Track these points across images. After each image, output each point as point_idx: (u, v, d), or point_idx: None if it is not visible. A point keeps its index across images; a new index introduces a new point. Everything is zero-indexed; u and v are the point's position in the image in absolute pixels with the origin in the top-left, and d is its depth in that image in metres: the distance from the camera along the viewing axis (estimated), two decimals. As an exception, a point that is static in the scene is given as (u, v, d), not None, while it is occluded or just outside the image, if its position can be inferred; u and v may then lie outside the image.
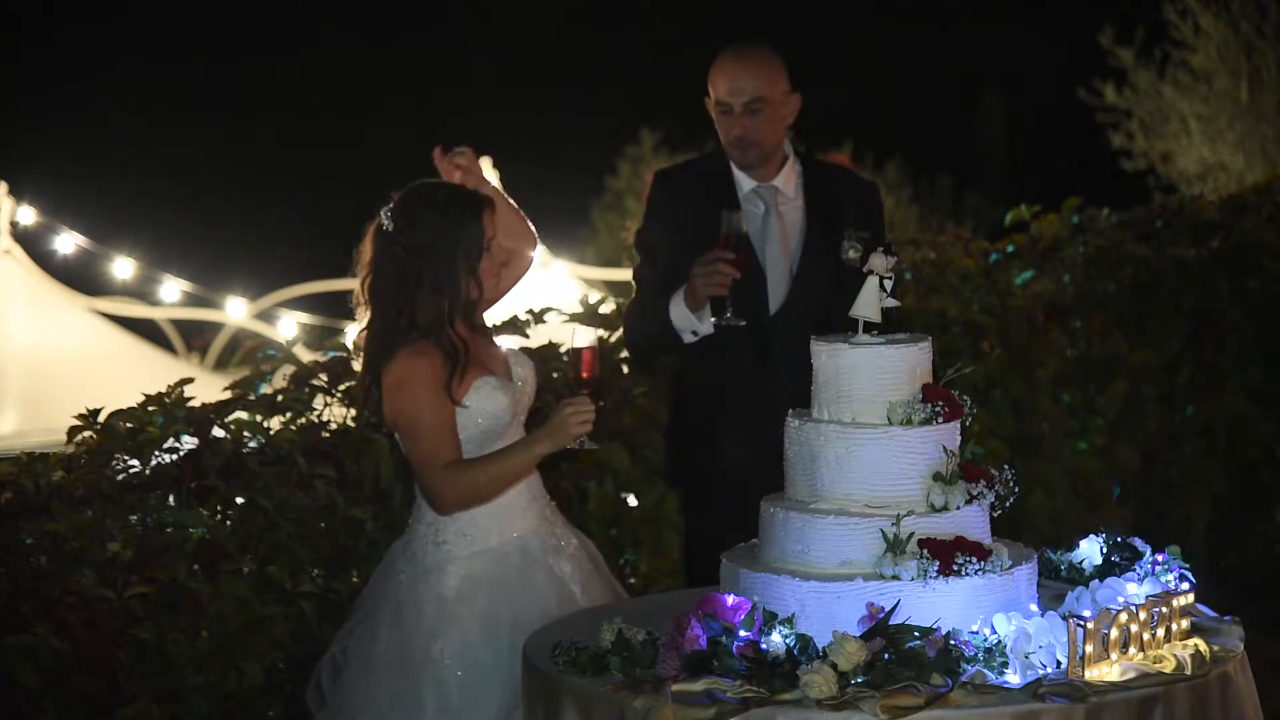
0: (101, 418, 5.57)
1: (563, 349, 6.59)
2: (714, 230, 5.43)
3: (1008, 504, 4.54)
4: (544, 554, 5.12)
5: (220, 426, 5.73)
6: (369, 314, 5.02)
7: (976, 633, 4.20)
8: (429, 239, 4.95)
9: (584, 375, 4.98)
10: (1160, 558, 4.73)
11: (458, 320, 4.98)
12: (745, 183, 5.75)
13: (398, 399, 4.94)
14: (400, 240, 4.95)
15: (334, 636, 5.22)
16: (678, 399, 5.93)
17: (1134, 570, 4.66)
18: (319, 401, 5.99)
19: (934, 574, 4.25)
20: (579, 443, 4.93)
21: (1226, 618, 4.59)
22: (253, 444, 5.76)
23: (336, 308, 12.24)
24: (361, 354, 5.06)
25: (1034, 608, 4.39)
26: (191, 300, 11.91)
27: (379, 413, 5.05)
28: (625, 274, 8.72)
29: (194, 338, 13.25)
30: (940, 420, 4.46)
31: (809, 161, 5.88)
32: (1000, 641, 4.18)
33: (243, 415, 5.80)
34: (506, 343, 5.36)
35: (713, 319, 5.51)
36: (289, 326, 11.31)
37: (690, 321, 5.53)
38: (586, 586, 5.17)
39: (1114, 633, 4.21)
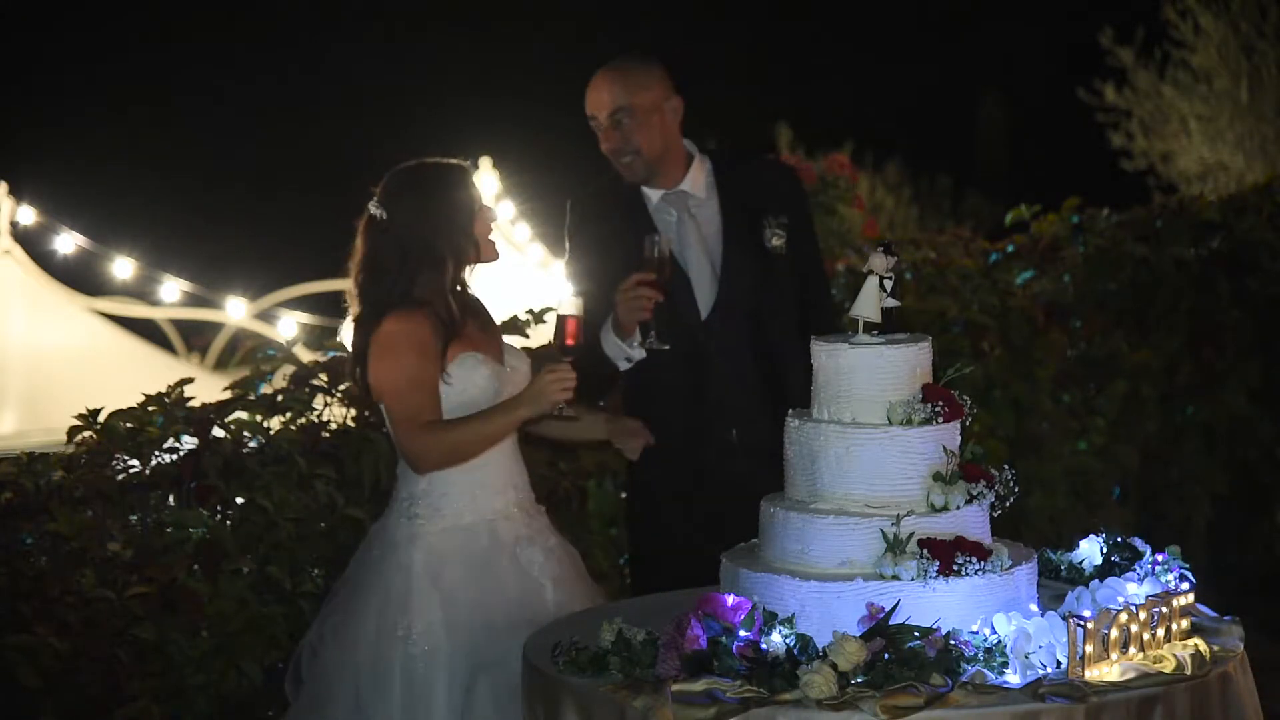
0: (101, 418, 5.57)
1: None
2: (631, 250, 5.39)
3: (1008, 504, 4.54)
4: (512, 540, 5.16)
5: (220, 426, 5.73)
6: (361, 308, 5.09)
7: (976, 633, 4.20)
8: (422, 215, 5.05)
9: (568, 343, 5.03)
10: (1160, 558, 4.73)
11: (455, 290, 5.07)
12: (653, 194, 5.68)
13: (383, 358, 5.00)
14: (395, 225, 5.04)
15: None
16: (627, 411, 5.88)
17: (1134, 570, 4.66)
18: (319, 401, 5.99)
19: (934, 574, 4.25)
20: (558, 410, 5.01)
21: (1226, 618, 4.59)
22: (253, 444, 5.76)
23: (336, 308, 12.21)
24: (353, 348, 5.11)
25: (1034, 608, 4.39)
26: (191, 300, 11.90)
27: (366, 389, 5.08)
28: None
29: (194, 338, 13.24)
30: (940, 420, 4.46)
31: (720, 156, 5.78)
32: (1000, 641, 4.18)
33: (243, 415, 5.80)
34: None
35: (637, 343, 5.45)
36: (289, 326, 11.30)
37: (621, 350, 5.48)
38: (560, 584, 5.19)
39: (1114, 633, 4.21)
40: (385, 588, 5.04)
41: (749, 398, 5.62)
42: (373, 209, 5.08)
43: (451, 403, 5.03)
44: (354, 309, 5.11)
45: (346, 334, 6.01)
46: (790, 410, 4.61)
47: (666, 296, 5.37)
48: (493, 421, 5.03)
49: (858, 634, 4.14)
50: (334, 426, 5.99)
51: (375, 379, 5.03)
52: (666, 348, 5.41)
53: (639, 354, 5.45)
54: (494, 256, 5.18)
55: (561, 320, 5.04)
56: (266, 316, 12.00)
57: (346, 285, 5.15)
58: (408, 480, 5.12)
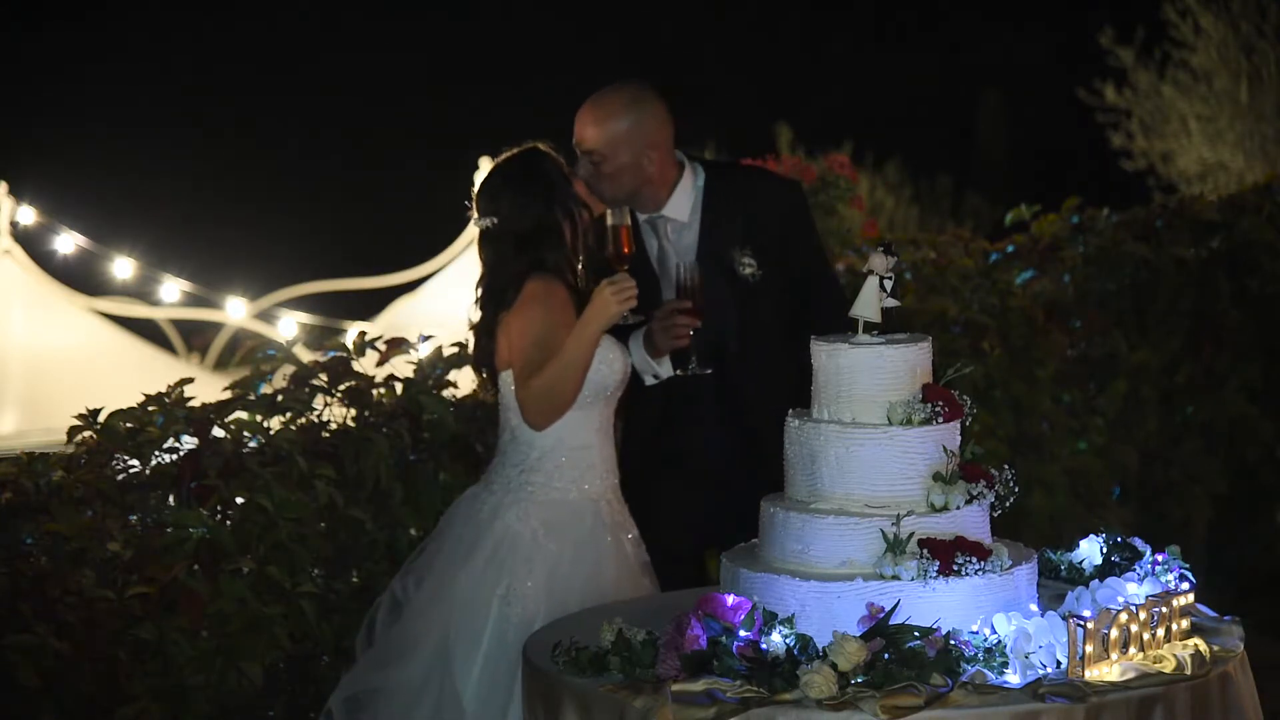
0: (101, 418, 5.57)
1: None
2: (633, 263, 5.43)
3: (1008, 504, 4.54)
4: (613, 524, 5.28)
5: (220, 426, 5.73)
6: (485, 307, 5.24)
7: (976, 633, 4.20)
8: (526, 209, 5.21)
9: (624, 251, 5.17)
10: (1160, 558, 4.73)
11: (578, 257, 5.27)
12: (640, 215, 5.65)
13: (520, 313, 5.13)
14: (509, 223, 5.20)
15: (398, 574, 5.34)
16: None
17: (1134, 570, 4.66)
18: (319, 401, 6.00)
19: (934, 574, 4.25)
20: (624, 318, 5.14)
21: (1226, 618, 4.59)
22: (253, 444, 5.76)
23: (336, 308, 12.25)
24: (472, 345, 5.28)
25: (1034, 608, 4.39)
26: (191, 300, 11.89)
27: (492, 370, 5.21)
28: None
29: (194, 338, 13.22)
30: (940, 420, 4.46)
31: (716, 174, 5.69)
32: (1000, 641, 4.18)
33: (243, 415, 5.81)
34: None
35: (676, 371, 5.50)
36: (289, 326, 11.29)
37: (651, 366, 5.53)
38: (638, 577, 5.30)
39: (1114, 633, 4.21)
40: (493, 548, 5.13)
41: (702, 415, 5.66)
42: (482, 223, 5.24)
43: (589, 376, 5.16)
44: (474, 314, 5.25)
45: (351, 338, 6.04)
46: (790, 410, 4.62)
47: (697, 330, 5.42)
48: (570, 348, 5.10)
49: (858, 634, 4.14)
50: (334, 426, 5.99)
51: (508, 336, 5.15)
52: (709, 372, 5.47)
53: (667, 372, 5.53)
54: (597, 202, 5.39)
55: (615, 230, 5.17)
56: (266, 316, 11.99)
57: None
58: (517, 451, 5.22)
